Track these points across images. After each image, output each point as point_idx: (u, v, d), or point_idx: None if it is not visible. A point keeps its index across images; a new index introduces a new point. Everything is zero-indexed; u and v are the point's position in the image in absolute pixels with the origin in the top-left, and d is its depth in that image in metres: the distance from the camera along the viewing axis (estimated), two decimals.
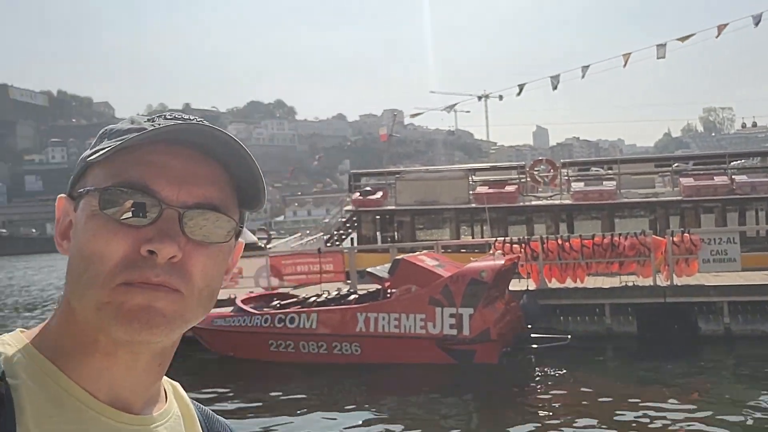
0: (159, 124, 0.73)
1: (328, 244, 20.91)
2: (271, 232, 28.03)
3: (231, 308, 11.68)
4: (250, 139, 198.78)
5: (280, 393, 9.70)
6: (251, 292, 13.30)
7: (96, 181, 0.72)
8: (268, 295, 12.72)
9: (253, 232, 22.72)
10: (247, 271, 14.41)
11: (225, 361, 11.31)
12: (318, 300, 11.56)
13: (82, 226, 0.71)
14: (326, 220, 25.94)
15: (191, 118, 0.75)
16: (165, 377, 0.82)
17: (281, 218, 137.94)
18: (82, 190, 0.73)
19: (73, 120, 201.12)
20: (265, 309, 11.46)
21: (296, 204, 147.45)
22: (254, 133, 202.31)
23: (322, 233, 23.07)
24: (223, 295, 14.05)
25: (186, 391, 0.81)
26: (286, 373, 10.45)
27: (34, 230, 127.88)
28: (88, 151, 0.74)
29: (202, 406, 0.89)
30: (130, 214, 0.69)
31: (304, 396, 9.54)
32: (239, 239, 0.81)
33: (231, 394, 9.71)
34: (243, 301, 11.75)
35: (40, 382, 0.69)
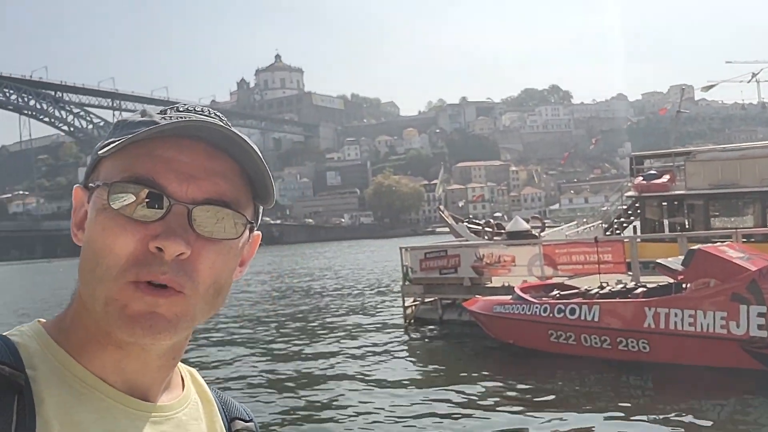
0: (170, 117, 0.73)
1: (608, 233, 19.70)
2: (546, 221, 27.39)
3: (510, 296, 11.64)
4: (524, 127, 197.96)
5: (561, 385, 9.38)
6: (525, 281, 13.14)
7: (106, 174, 0.72)
8: (546, 285, 12.40)
9: (526, 221, 22.45)
10: (520, 260, 14.28)
11: (505, 348, 11.30)
12: (601, 292, 10.89)
13: (93, 220, 0.72)
14: (605, 208, 24.55)
15: (203, 111, 0.75)
16: (182, 364, 0.82)
17: (556, 206, 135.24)
18: (92, 184, 0.73)
19: (364, 120, 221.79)
20: (544, 298, 11.17)
21: (572, 191, 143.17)
22: (528, 121, 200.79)
23: (600, 221, 21.88)
24: (497, 282, 14.37)
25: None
26: (566, 365, 10.07)
27: (343, 220, 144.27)
28: (101, 143, 0.74)
29: (219, 391, 0.89)
30: (138, 210, 0.69)
31: (585, 390, 9.11)
32: (255, 232, 0.80)
33: (510, 382, 9.67)
34: (522, 290, 11.62)
35: (58, 372, 0.70)
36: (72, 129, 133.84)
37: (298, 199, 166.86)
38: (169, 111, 0.74)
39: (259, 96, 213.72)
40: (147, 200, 0.68)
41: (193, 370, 0.87)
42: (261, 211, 0.80)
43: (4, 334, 0.72)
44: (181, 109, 0.74)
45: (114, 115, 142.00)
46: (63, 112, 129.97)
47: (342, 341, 13.84)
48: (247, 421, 0.89)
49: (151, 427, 0.73)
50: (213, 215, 0.71)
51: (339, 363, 11.68)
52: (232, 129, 0.71)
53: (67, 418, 0.67)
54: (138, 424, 0.72)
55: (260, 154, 0.73)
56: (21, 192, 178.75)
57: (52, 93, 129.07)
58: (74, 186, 0.78)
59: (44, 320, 0.76)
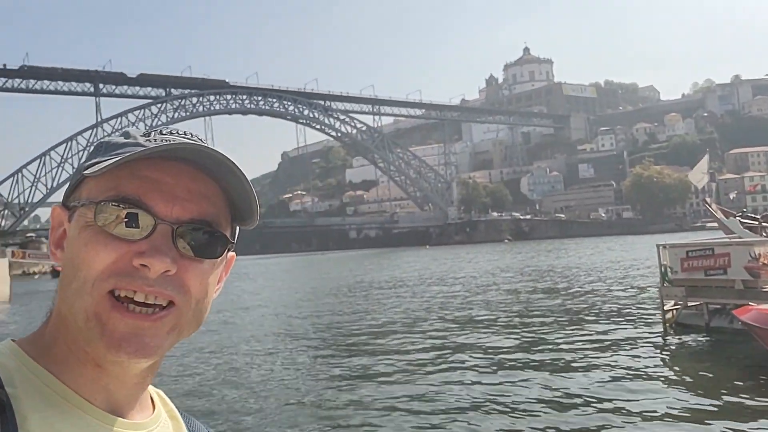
0: (155, 140, 0.74)
1: None
2: None
3: None
4: None
5: None
6: None
7: (91, 193, 0.73)
8: None
9: None
10: None
11: None
12: None
13: (75, 237, 0.72)
14: None
15: (187, 134, 0.76)
16: (150, 386, 0.83)
17: None
18: (76, 202, 0.74)
19: (620, 108, 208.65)
20: None
21: None
22: None
23: None
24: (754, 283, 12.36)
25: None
26: None
27: (603, 215, 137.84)
28: (85, 164, 0.74)
29: (185, 412, 0.90)
30: (123, 228, 0.69)
31: None
32: (231, 253, 0.81)
33: None
34: None
35: (39, 390, 0.69)
36: (339, 134, 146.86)
37: (548, 193, 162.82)
38: (153, 134, 0.76)
39: (507, 91, 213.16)
40: (126, 220, 0.69)
41: (160, 391, 0.87)
42: (238, 232, 0.82)
43: None
44: (164, 132, 0.76)
45: (374, 120, 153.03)
46: (331, 120, 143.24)
47: (590, 344, 13.07)
48: None
49: None
50: (197, 235, 0.72)
51: (585, 368, 11.02)
52: (220, 151, 0.72)
53: None
54: None
55: (246, 176, 0.74)
56: (299, 192, 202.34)
57: (322, 102, 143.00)
58: (53, 205, 0.79)
59: (16, 339, 0.76)
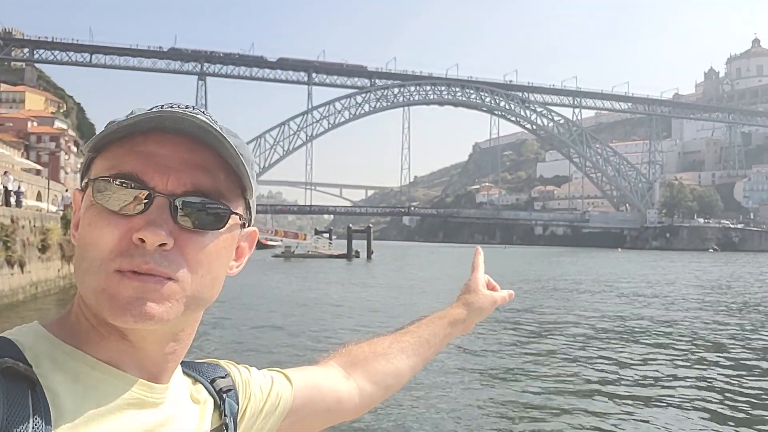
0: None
1: None
2: None
3: None
4: None
5: None
6: None
7: (95, 172, 0.74)
8: None
9: None
10: None
11: None
12: None
13: (82, 217, 0.74)
14: None
15: (187, 107, 0.75)
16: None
17: None
18: (83, 183, 0.76)
19: None
20: None
21: None
22: None
23: None
24: None
25: None
26: None
27: None
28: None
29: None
30: (121, 204, 0.70)
31: None
32: (251, 228, 0.82)
33: None
34: None
35: (65, 365, 0.70)
36: (534, 127, 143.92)
37: (767, 201, 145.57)
38: (154, 109, 0.75)
39: (728, 86, 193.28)
40: (123, 195, 0.70)
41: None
42: (253, 205, 0.81)
43: (2, 335, 0.72)
44: (164, 106, 0.75)
45: (573, 113, 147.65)
46: (527, 112, 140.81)
47: None
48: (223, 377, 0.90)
49: (161, 409, 0.75)
50: (194, 206, 0.72)
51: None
52: (207, 121, 0.71)
53: (80, 406, 0.68)
54: (147, 407, 0.74)
55: (235, 146, 0.73)
56: (487, 184, 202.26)
57: (519, 94, 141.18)
58: (74, 190, 0.81)
59: (43, 322, 0.77)
